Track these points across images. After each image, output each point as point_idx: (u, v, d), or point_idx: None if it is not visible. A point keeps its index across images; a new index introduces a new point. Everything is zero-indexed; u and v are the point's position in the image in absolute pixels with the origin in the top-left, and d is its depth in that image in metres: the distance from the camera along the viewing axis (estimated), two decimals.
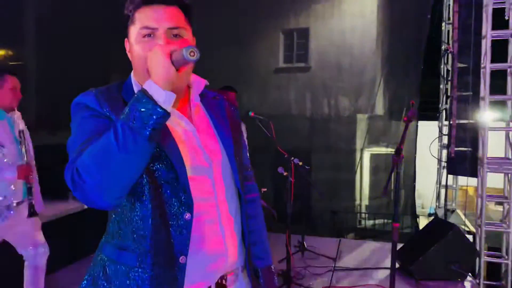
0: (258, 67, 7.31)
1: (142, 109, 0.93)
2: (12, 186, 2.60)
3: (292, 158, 3.47)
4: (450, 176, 5.47)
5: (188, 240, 1.08)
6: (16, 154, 2.61)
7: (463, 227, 4.72)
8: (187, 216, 1.08)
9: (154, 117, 0.93)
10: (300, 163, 3.55)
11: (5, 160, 2.54)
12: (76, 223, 4.21)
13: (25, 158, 2.64)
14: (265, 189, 4.13)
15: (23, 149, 2.63)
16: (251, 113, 3.54)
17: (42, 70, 6.99)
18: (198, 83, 1.21)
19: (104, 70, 6.63)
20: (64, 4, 6.34)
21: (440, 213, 5.56)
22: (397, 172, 2.31)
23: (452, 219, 5.27)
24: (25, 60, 7.25)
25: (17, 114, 2.62)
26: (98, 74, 6.49)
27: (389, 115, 6.93)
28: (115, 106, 1.06)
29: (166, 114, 0.96)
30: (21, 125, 2.65)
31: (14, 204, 2.65)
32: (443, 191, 5.66)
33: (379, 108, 6.90)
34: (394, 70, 6.62)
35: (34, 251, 2.85)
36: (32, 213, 2.70)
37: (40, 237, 2.91)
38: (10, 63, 7.34)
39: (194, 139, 1.14)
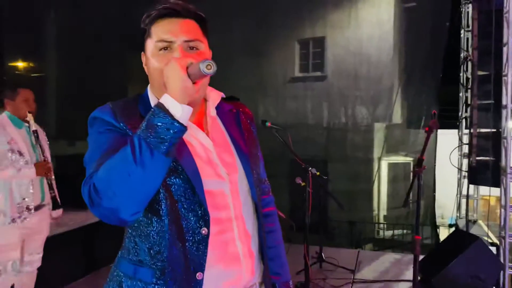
0: (274, 76, 7.33)
1: (159, 124, 0.92)
2: (31, 189, 2.77)
3: (310, 168, 3.43)
4: (471, 186, 5.34)
5: (205, 256, 1.06)
6: (33, 156, 2.81)
7: (485, 238, 4.59)
8: (204, 231, 1.06)
9: (171, 131, 0.92)
10: (318, 173, 3.51)
11: (24, 163, 2.74)
12: (95, 233, 4.24)
13: (41, 157, 2.83)
14: None
15: (38, 149, 2.83)
16: (268, 123, 3.52)
17: (62, 82, 7.16)
18: (215, 96, 1.20)
19: (122, 82, 6.73)
20: (83, 19, 6.49)
21: (461, 224, 5.43)
22: (418, 183, 2.26)
23: (474, 230, 5.13)
24: (46, 72, 7.42)
25: (29, 117, 2.83)
26: (116, 86, 6.59)
27: (407, 124, 6.84)
28: (131, 120, 1.06)
29: (183, 128, 0.95)
30: (33, 126, 2.83)
31: (33, 206, 2.79)
32: (464, 201, 5.53)
33: (397, 117, 6.82)
34: (412, 79, 6.55)
35: (35, 257, 2.97)
36: (56, 205, 2.88)
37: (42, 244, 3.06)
38: (32, 75, 7.53)
39: (211, 153, 1.13)
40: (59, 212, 3.04)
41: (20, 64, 7.49)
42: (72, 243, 4.12)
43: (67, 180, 3.42)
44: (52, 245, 3.24)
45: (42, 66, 7.43)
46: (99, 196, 0.92)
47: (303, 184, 3.47)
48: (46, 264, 3.10)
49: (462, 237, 3.93)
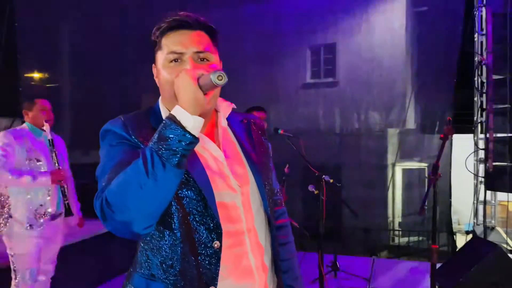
0: (286, 83, 7.31)
1: (171, 136, 0.92)
2: (49, 196, 2.84)
3: (323, 176, 3.40)
4: (488, 191, 5.24)
5: (218, 270, 1.05)
6: (50, 163, 2.88)
7: (504, 245, 4.49)
8: (216, 244, 1.05)
9: (183, 143, 0.92)
10: (331, 181, 3.47)
11: (42, 170, 2.83)
12: (110, 241, 4.25)
13: (56, 164, 2.88)
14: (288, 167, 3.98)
15: (54, 157, 2.89)
16: (280, 131, 3.51)
17: (76, 92, 7.26)
18: (226, 107, 1.19)
19: (136, 92, 6.79)
20: (97, 30, 6.58)
21: (479, 230, 5.31)
22: (434, 191, 2.22)
23: (492, 237, 5.02)
24: (60, 82, 7.54)
25: (45, 126, 2.89)
26: (130, 96, 6.65)
27: (421, 129, 6.75)
28: (143, 132, 1.06)
29: (195, 140, 0.94)
30: (49, 135, 2.90)
31: (50, 213, 2.85)
32: (480, 207, 5.41)
33: (411, 122, 6.75)
34: (426, 83, 6.48)
35: (50, 266, 3.01)
36: (67, 212, 2.90)
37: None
38: (47, 85, 7.66)
39: (222, 165, 1.12)
40: (75, 219, 3.08)
41: (36, 75, 7.63)
42: (87, 252, 4.14)
43: (81, 189, 3.45)
44: (67, 254, 3.26)
45: (57, 77, 7.55)
46: (111, 210, 0.91)
47: (316, 192, 3.43)
48: (62, 273, 3.12)
49: (480, 245, 3.85)
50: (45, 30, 6.89)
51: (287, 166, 3.95)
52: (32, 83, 7.45)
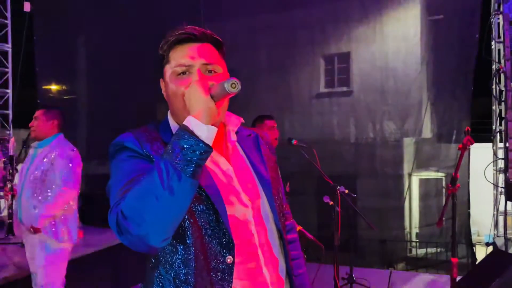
0: (300, 93, 7.29)
1: (185, 146, 0.91)
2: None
3: (338, 186, 3.36)
4: (509, 202, 5.11)
5: (231, 285, 1.03)
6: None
7: None
8: (229, 259, 1.03)
9: (197, 152, 0.91)
10: (346, 191, 3.43)
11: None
12: (124, 251, 4.26)
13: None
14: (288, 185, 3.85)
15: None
16: (294, 141, 3.49)
17: (92, 103, 7.37)
18: (234, 121, 1.19)
19: (151, 102, 6.85)
20: (112, 42, 6.68)
21: (499, 242, 5.18)
22: (453, 202, 2.17)
23: None
24: (77, 94, 7.68)
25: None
26: (145, 106, 6.71)
27: (438, 138, 6.64)
28: (155, 146, 1.06)
29: (209, 149, 0.94)
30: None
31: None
32: (501, 218, 5.29)
33: (427, 131, 6.64)
34: (442, 92, 6.38)
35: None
36: None
37: (58, 277, 2.84)
38: (64, 97, 7.81)
39: (232, 179, 1.11)
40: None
41: (54, 87, 7.78)
42: (101, 263, 4.15)
43: (97, 199, 3.47)
44: (81, 265, 3.27)
45: (74, 89, 7.69)
46: (127, 223, 0.90)
47: (331, 203, 3.39)
48: (72, 286, 3.10)
49: (501, 257, 3.74)
50: (62, 43, 7.04)
51: (288, 184, 3.88)
52: (50, 95, 7.60)
